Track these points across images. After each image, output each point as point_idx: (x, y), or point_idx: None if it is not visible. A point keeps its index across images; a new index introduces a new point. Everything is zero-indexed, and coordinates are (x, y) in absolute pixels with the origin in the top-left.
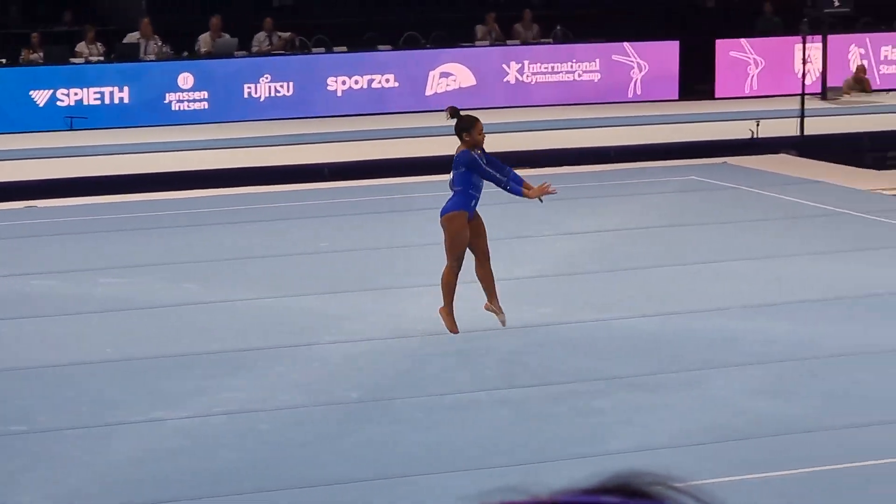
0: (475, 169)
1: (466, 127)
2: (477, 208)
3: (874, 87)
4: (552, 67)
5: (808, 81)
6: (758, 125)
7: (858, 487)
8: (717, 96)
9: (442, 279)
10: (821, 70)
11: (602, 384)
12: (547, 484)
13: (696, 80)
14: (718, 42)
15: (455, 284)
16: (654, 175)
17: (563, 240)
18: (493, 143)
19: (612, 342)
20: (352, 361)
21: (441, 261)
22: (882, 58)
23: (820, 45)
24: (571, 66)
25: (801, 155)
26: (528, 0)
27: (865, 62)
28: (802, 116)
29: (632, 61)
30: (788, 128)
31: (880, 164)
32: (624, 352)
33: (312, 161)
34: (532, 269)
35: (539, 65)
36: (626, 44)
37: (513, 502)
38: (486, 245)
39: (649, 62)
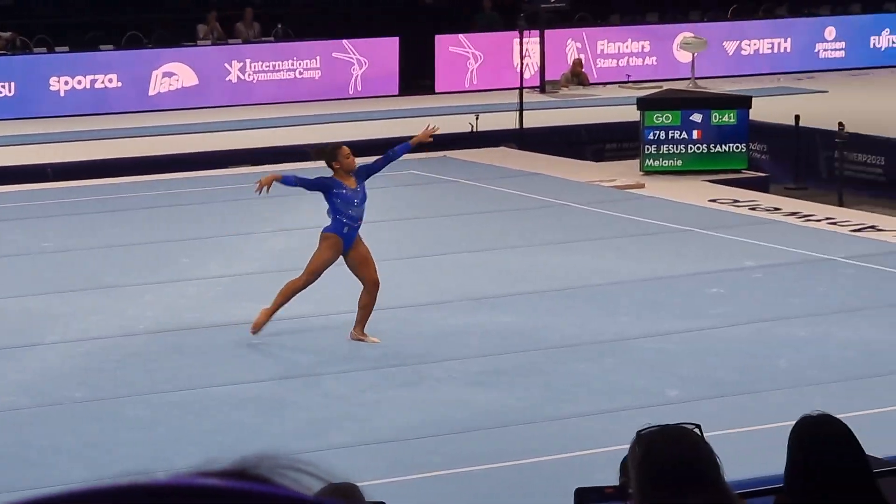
0: (320, 187)
1: (332, 157)
2: (359, 235)
3: (591, 81)
4: (274, 66)
5: (526, 75)
6: (477, 119)
7: (579, 476)
8: (437, 91)
9: (286, 284)
10: (539, 64)
11: (324, 379)
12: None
13: (417, 76)
14: (438, 38)
15: (290, 297)
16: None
17: (282, 236)
18: (214, 143)
19: (333, 336)
20: (75, 361)
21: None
22: (598, 52)
23: (538, 39)
24: (293, 64)
25: (520, 148)
26: None
27: (582, 56)
28: (521, 110)
29: (352, 58)
30: (508, 121)
31: (598, 155)
32: (345, 346)
33: (36, 161)
34: (252, 266)
35: (261, 63)
36: (345, 41)
37: (113, 485)
38: (375, 273)
39: (369, 59)
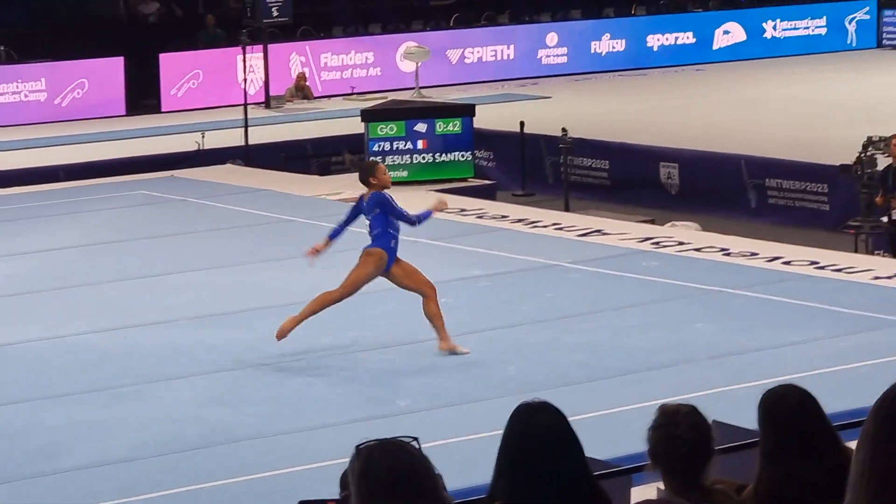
0: (390, 210)
1: (370, 173)
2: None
3: (316, 94)
4: None
5: (251, 91)
6: (203, 137)
7: (308, 489)
8: (163, 110)
9: (320, 294)
10: (263, 79)
11: (54, 401)
12: None
13: (143, 95)
14: (162, 56)
15: (321, 308)
16: (104, 192)
17: (12, 260)
18: None
19: (63, 358)
20: None
21: None
22: (322, 65)
23: (261, 54)
24: (17, 87)
25: (247, 164)
26: None
27: (306, 70)
28: (246, 126)
29: (77, 79)
30: (234, 138)
31: (324, 169)
32: (75, 368)
33: None
34: None
35: None
36: (70, 62)
37: None
38: (425, 277)
39: (95, 79)
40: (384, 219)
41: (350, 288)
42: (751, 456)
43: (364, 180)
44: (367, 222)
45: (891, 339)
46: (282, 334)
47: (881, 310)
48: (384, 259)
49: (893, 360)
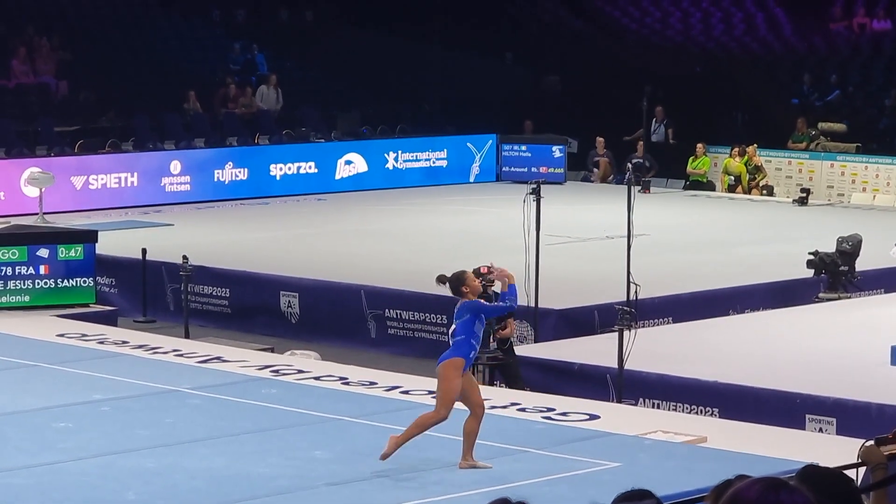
0: (482, 310)
1: (461, 281)
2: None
3: None
4: None
5: None
6: None
7: None
8: None
9: (420, 416)
10: None
11: None
12: None
13: None
14: None
15: (424, 430)
16: None
17: None
18: None
19: None
20: None
21: None
22: None
23: None
24: None
25: None
26: None
27: None
28: None
29: None
30: None
31: None
32: None
33: None
34: None
35: None
36: None
37: None
38: (481, 397)
39: None
40: (470, 327)
41: (448, 406)
42: None
43: (457, 291)
44: (453, 327)
45: (504, 468)
46: (385, 457)
47: (499, 439)
48: (461, 364)
49: (509, 486)
